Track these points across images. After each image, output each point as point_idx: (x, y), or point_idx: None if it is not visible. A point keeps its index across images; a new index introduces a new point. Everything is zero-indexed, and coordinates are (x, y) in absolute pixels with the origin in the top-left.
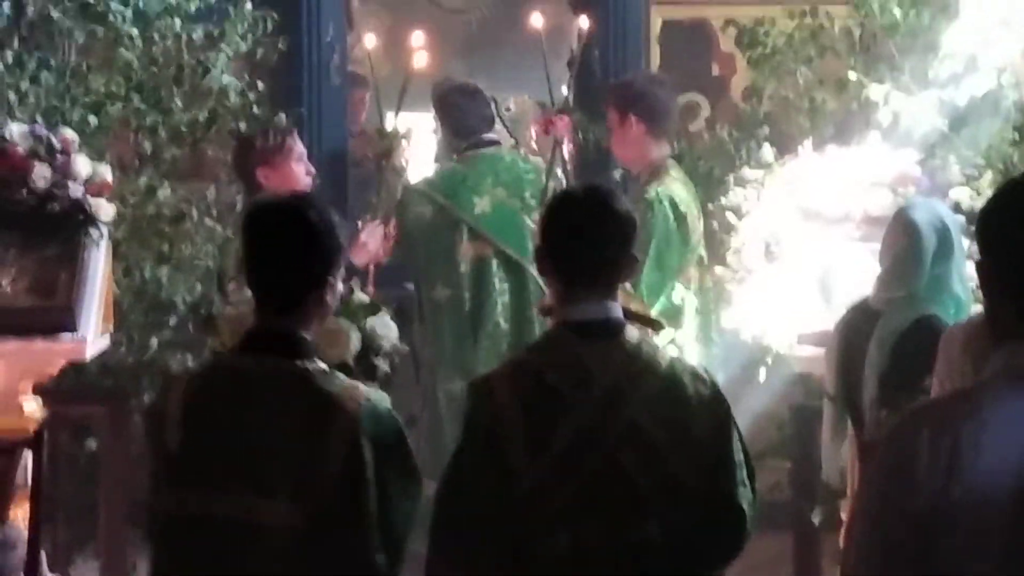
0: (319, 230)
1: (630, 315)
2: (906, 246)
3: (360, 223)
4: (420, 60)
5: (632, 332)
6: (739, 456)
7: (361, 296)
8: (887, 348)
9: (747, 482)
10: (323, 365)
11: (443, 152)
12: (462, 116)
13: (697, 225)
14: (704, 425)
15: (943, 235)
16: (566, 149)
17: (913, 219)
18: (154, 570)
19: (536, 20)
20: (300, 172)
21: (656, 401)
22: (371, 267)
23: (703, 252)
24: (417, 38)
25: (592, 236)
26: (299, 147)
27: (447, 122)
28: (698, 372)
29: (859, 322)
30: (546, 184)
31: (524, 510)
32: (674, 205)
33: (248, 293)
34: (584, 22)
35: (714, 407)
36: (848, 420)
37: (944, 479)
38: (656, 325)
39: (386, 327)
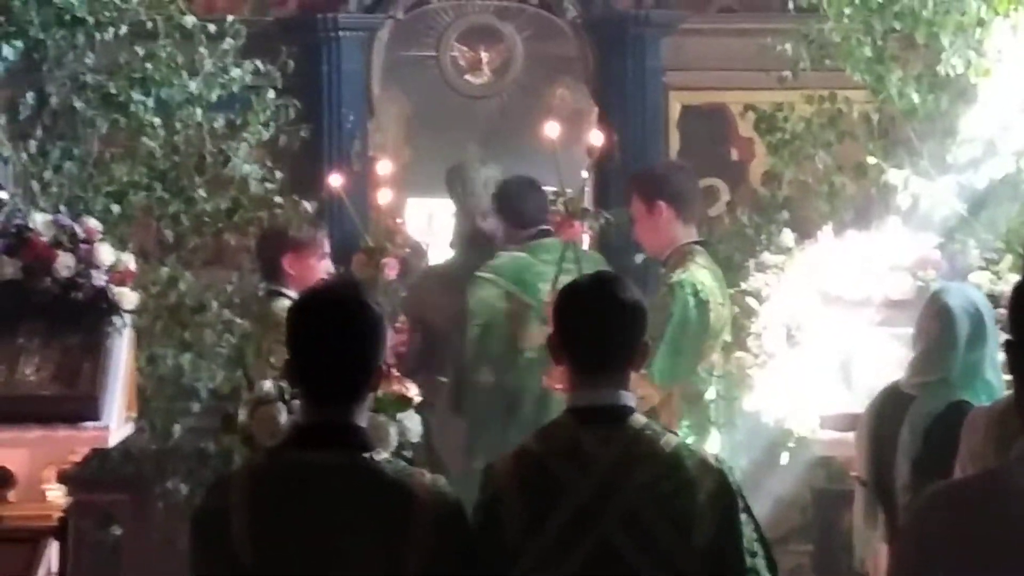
0: (375, 319)
1: None
2: (940, 331)
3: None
4: None
5: (638, 418)
6: (749, 544)
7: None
8: (919, 433)
9: (760, 572)
10: (386, 454)
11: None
12: (524, 207)
13: (722, 312)
14: (707, 512)
15: (977, 320)
16: (586, 240)
17: (947, 304)
18: None
19: (551, 130)
20: (322, 268)
21: (655, 487)
22: (393, 361)
23: (728, 338)
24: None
25: (600, 325)
26: (326, 245)
27: (509, 212)
28: (705, 459)
29: (890, 406)
30: (556, 276)
31: None
32: (696, 292)
33: (267, 386)
34: (597, 138)
35: (719, 494)
36: (879, 505)
37: (966, 559)
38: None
39: (412, 420)
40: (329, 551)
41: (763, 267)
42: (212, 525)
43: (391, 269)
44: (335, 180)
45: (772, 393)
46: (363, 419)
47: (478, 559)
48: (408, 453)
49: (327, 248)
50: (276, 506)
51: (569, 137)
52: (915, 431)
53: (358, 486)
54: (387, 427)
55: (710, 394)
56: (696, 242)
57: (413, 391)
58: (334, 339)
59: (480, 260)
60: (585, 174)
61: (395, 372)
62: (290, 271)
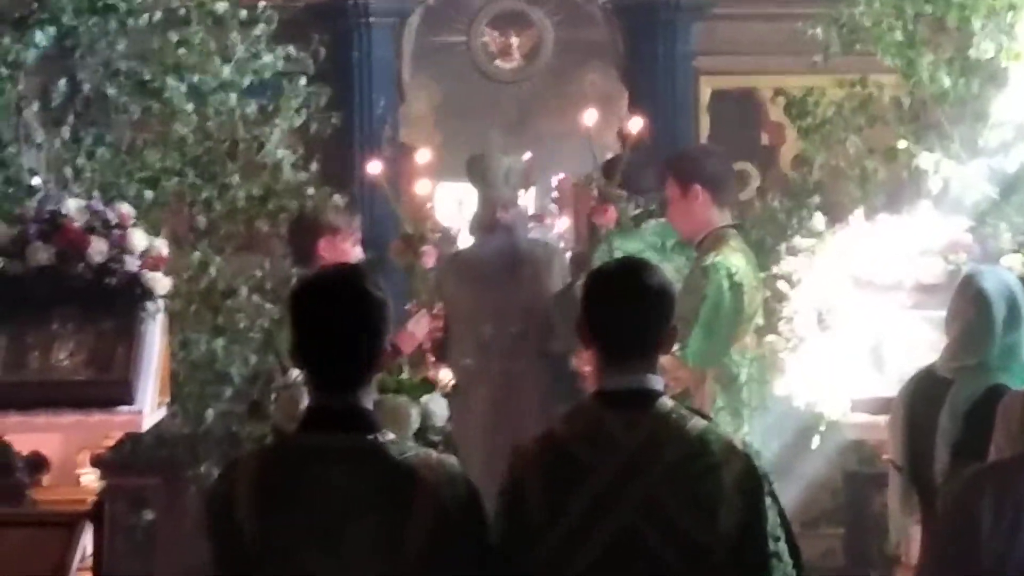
0: (380, 302)
1: None
2: (976, 314)
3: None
4: None
5: (665, 402)
6: (772, 529)
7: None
8: (959, 417)
9: (783, 556)
10: (392, 436)
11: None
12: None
13: (755, 295)
14: (732, 496)
15: (1012, 303)
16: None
17: (983, 287)
18: None
19: (589, 118)
20: (355, 254)
21: (680, 471)
22: (429, 346)
23: (760, 321)
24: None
25: (628, 310)
26: (359, 232)
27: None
28: (731, 443)
29: (925, 391)
30: (590, 260)
31: (545, 573)
32: (730, 274)
33: (295, 373)
34: (635, 125)
35: (744, 478)
36: (914, 490)
37: (1007, 541)
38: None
39: (438, 404)
40: (333, 532)
41: (794, 251)
42: (220, 508)
43: (429, 256)
44: (374, 168)
45: (803, 377)
46: (369, 401)
47: (490, 540)
48: (436, 437)
49: (360, 235)
50: (280, 489)
51: (599, 123)
52: (954, 416)
53: (362, 467)
54: (407, 409)
55: (743, 377)
56: (730, 225)
57: (447, 377)
58: (335, 323)
59: (498, 249)
60: (614, 155)
61: (431, 357)
62: (324, 256)
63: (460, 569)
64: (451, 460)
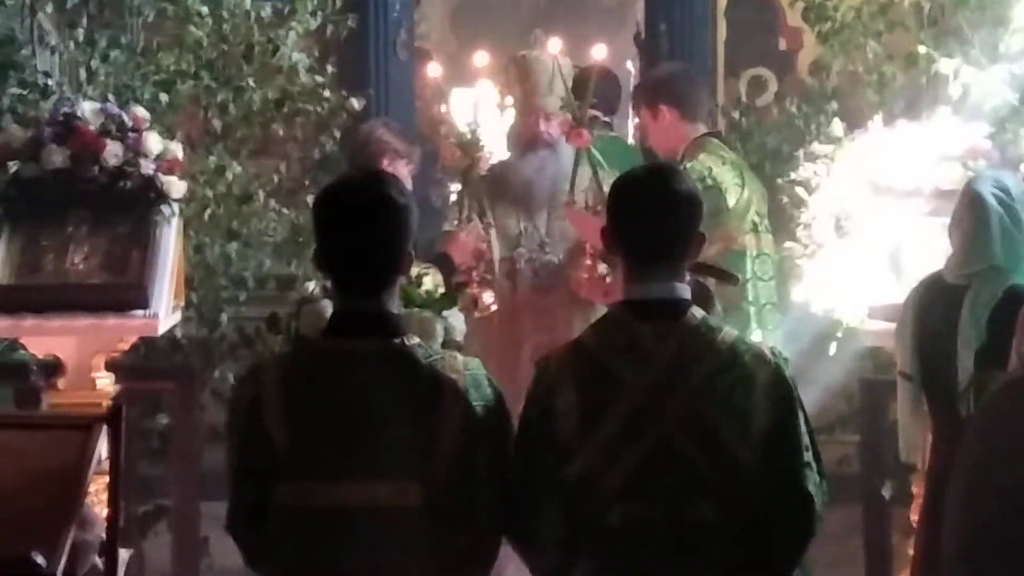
0: (405, 207)
1: (705, 268)
2: (974, 220)
3: (457, 222)
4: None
5: (695, 313)
6: (804, 439)
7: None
8: (981, 323)
9: (814, 464)
10: (417, 339)
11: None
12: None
13: (741, 193)
14: (765, 408)
15: (1008, 205)
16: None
17: (978, 191)
18: (275, 564)
19: (599, 52)
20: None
21: (713, 382)
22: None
23: (756, 219)
24: None
25: (654, 216)
26: (417, 160)
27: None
28: (762, 353)
29: (935, 298)
30: (574, 172)
31: (576, 487)
32: (702, 177)
33: (312, 285)
34: (599, 53)
35: (776, 389)
36: (924, 397)
37: None
38: (731, 279)
39: (457, 319)
40: (361, 435)
41: (812, 157)
42: (247, 411)
43: (484, 161)
44: (434, 70)
45: (820, 283)
46: (394, 305)
47: (523, 446)
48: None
49: (415, 165)
50: (308, 391)
51: (615, 29)
52: (977, 321)
53: (389, 370)
54: (434, 323)
55: (746, 274)
56: (708, 134)
57: (489, 299)
58: (359, 228)
59: (539, 169)
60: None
61: (475, 276)
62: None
63: (487, 471)
64: (476, 363)
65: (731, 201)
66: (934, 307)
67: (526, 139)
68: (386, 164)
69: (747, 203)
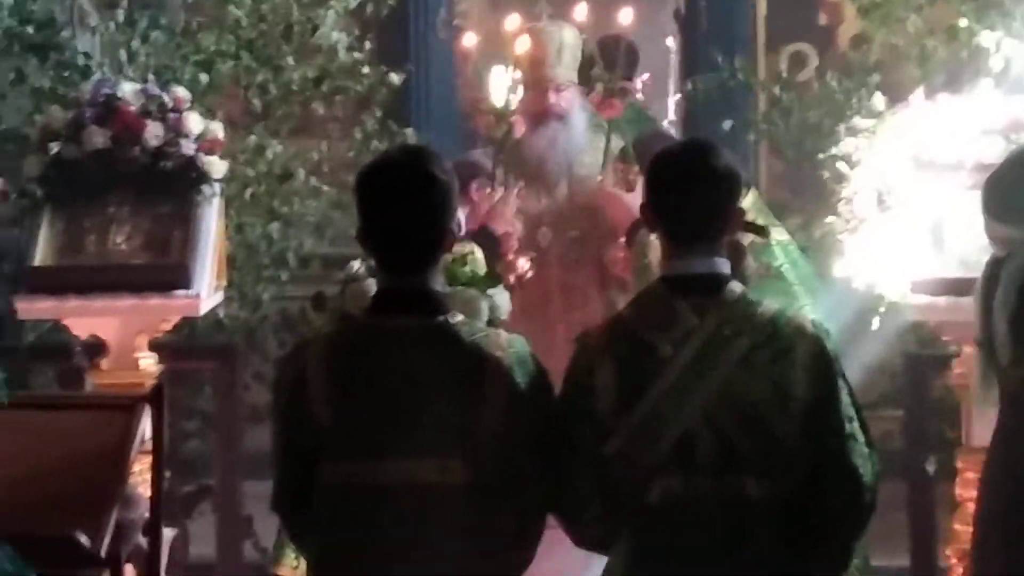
0: (447, 184)
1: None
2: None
3: (492, 191)
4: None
5: (734, 287)
6: (848, 411)
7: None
8: (1013, 289)
9: (860, 436)
10: (462, 317)
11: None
12: None
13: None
14: (804, 380)
15: None
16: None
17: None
18: (320, 542)
19: (625, 17)
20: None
21: (753, 357)
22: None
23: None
24: None
25: (692, 191)
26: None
27: None
28: (802, 324)
29: (994, 265)
30: (607, 146)
31: (616, 463)
32: None
33: (356, 264)
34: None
35: (816, 361)
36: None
37: None
38: (762, 231)
39: (502, 297)
40: (406, 413)
41: (854, 131)
42: (291, 391)
43: (519, 125)
44: (469, 39)
45: (863, 258)
46: (437, 283)
47: (562, 423)
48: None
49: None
50: (352, 369)
51: (657, 5)
52: (1008, 288)
53: (433, 348)
54: (479, 302)
55: (774, 261)
56: None
57: (525, 265)
58: (401, 206)
59: (550, 142)
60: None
61: (514, 243)
62: (473, 199)
63: (531, 450)
64: (520, 340)
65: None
66: (987, 277)
67: (535, 112)
68: (474, 189)
69: (756, 201)
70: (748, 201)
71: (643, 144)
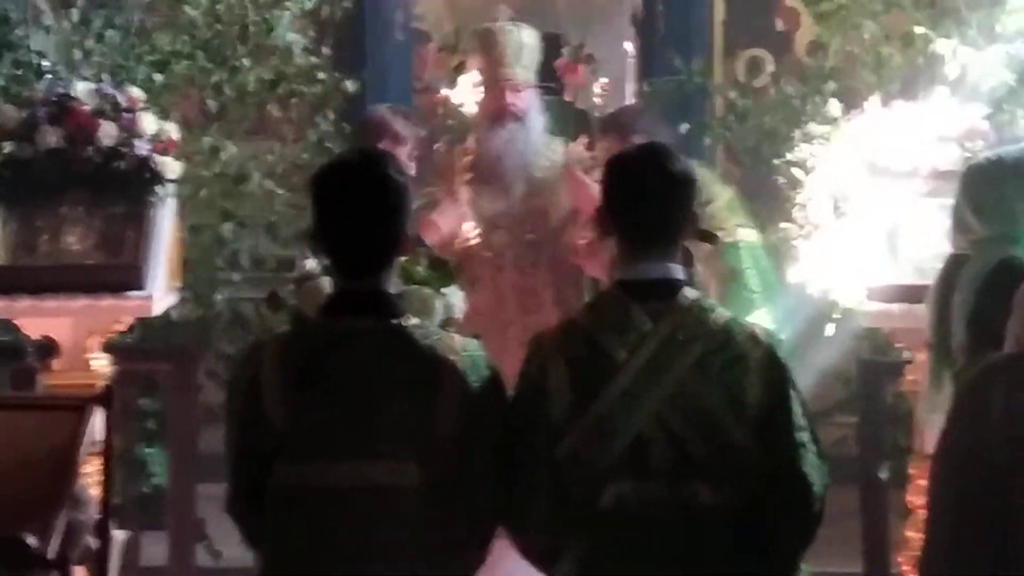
0: (402, 186)
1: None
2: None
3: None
4: None
5: (689, 292)
6: (799, 420)
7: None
8: (972, 292)
9: (811, 446)
10: (416, 320)
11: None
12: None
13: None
14: (758, 388)
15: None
16: None
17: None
18: (273, 544)
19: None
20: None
21: (706, 363)
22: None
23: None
24: None
25: (648, 196)
26: (416, 148)
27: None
28: (755, 334)
29: (949, 268)
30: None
31: (568, 467)
32: None
33: (311, 263)
34: None
35: (770, 370)
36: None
37: (1019, 429)
38: (713, 239)
39: (456, 296)
40: (360, 415)
41: (809, 138)
42: (245, 392)
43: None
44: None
45: (818, 264)
46: (391, 285)
47: (514, 425)
48: (452, 329)
49: (417, 150)
50: (306, 371)
51: (613, 10)
52: (967, 290)
53: (387, 350)
54: (433, 301)
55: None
56: None
57: (471, 232)
58: (356, 207)
59: (507, 143)
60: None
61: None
62: None
63: (485, 452)
64: (474, 343)
65: (722, 195)
66: (944, 277)
67: (493, 112)
68: (385, 147)
69: (732, 201)
70: (724, 200)
71: (622, 114)
